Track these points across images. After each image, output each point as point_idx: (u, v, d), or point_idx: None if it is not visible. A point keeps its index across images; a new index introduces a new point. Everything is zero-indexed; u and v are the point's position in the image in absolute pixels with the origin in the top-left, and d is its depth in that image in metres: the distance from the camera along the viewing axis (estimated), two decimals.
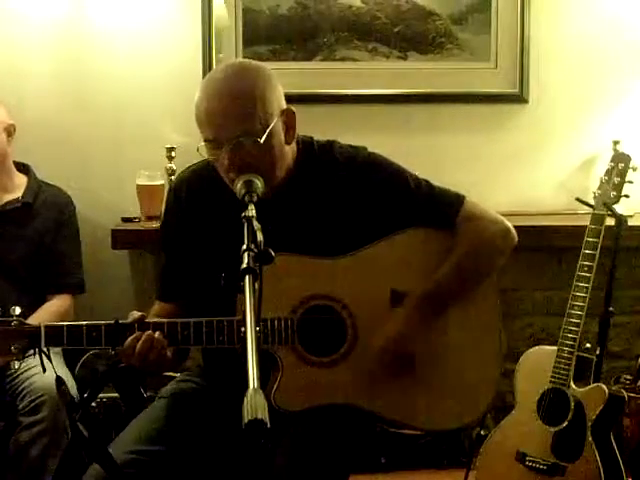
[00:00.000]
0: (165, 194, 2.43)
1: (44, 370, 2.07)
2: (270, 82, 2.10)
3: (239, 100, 2.04)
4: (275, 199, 2.10)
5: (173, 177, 3.42)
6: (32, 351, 2.05)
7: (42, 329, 2.04)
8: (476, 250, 2.22)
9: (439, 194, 2.25)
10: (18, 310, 2.06)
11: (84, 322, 2.07)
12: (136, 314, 2.07)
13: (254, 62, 2.22)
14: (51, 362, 2.06)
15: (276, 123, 2.07)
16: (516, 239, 2.27)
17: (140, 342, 2.02)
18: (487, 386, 2.25)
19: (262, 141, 2.03)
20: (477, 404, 2.25)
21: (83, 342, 2.05)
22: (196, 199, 2.24)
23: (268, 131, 2.04)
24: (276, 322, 2.10)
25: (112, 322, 2.05)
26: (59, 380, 2.03)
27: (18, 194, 3.22)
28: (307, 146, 2.23)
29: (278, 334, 2.10)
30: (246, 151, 2.04)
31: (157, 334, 2.04)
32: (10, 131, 3.22)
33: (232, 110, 2.03)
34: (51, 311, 3.13)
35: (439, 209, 2.23)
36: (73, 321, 3.10)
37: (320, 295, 2.14)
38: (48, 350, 2.06)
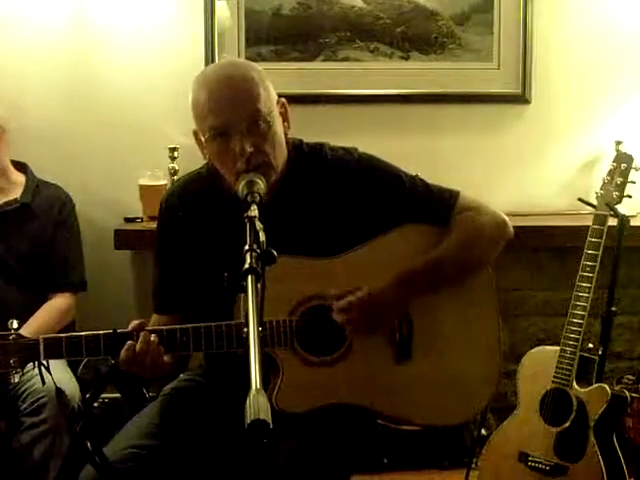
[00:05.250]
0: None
1: (43, 383, 2.07)
2: (262, 74, 2.12)
3: (243, 84, 2.06)
4: (269, 201, 2.10)
5: (176, 177, 3.43)
6: (31, 364, 2.05)
7: (41, 342, 2.03)
8: (469, 238, 2.21)
9: (434, 191, 2.25)
10: (16, 324, 2.06)
11: (83, 333, 2.06)
12: (135, 322, 2.06)
13: (243, 59, 2.23)
14: (50, 374, 2.06)
15: (276, 110, 2.10)
16: (512, 231, 2.26)
17: (137, 345, 2.02)
18: (487, 382, 2.25)
19: (271, 122, 2.05)
20: (476, 400, 2.25)
21: (82, 353, 2.05)
22: (191, 208, 2.23)
23: (273, 114, 2.07)
24: (275, 324, 2.09)
25: (111, 332, 2.04)
26: (59, 391, 2.02)
27: (16, 194, 3.20)
28: (297, 148, 2.23)
29: (277, 336, 2.10)
30: (257, 134, 2.04)
31: (153, 336, 2.03)
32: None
33: (239, 93, 2.05)
34: (52, 310, 3.12)
35: (435, 205, 2.23)
36: (74, 319, 3.18)
37: (318, 295, 2.14)
38: (47, 362, 2.06)
